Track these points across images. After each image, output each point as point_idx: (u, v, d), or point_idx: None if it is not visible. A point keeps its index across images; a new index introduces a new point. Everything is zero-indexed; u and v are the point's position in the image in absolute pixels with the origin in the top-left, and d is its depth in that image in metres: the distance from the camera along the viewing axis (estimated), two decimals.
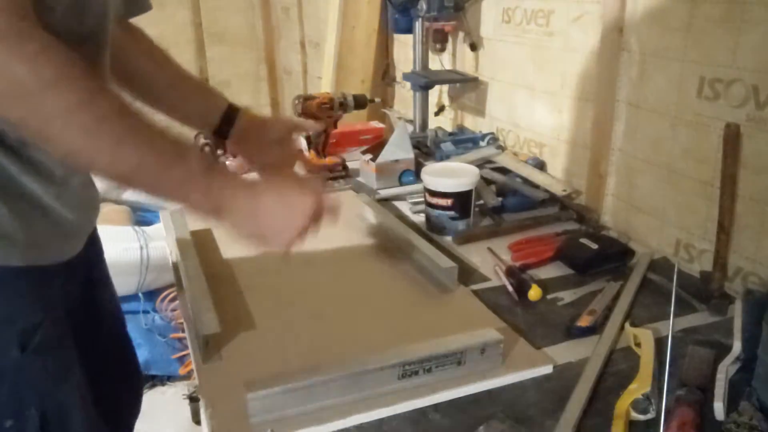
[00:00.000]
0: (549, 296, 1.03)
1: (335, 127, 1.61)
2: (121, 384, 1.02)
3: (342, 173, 1.58)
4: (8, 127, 0.66)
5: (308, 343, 0.89)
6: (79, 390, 0.80)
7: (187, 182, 0.68)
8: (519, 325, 0.94)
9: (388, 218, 1.27)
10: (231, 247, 1.17)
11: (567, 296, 1.03)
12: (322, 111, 1.54)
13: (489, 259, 1.16)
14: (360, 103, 1.59)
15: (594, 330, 0.92)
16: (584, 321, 0.93)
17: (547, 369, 0.83)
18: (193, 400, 1.88)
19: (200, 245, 1.13)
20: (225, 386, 0.80)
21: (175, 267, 1.13)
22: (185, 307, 1.00)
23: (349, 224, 1.30)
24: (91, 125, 0.60)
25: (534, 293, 1.01)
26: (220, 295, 0.97)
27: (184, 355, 2.13)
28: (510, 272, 1.07)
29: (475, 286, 1.07)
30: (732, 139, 0.97)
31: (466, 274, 1.11)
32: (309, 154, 1.58)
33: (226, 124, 0.99)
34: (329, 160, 1.59)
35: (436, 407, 0.77)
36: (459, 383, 0.79)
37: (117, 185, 0.70)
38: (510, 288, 1.03)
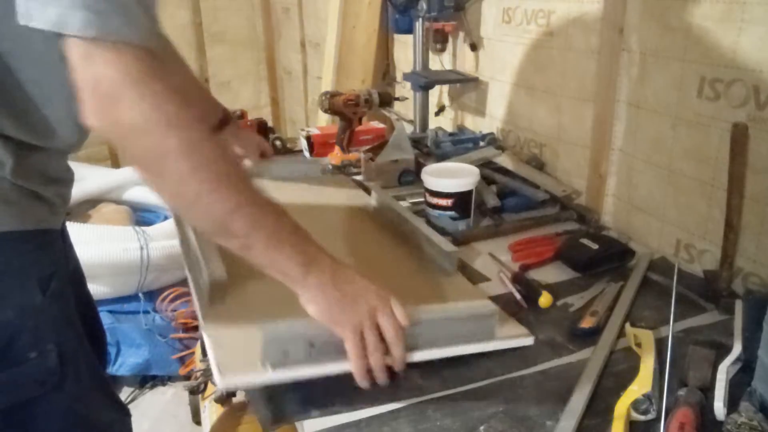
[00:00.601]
0: (559, 302, 1.02)
1: (360, 123, 1.68)
2: (92, 335, 1.10)
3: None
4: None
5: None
6: (81, 333, 0.93)
7: (279, 235, 0.72)
8: (536, 334, 0.93)
9: (391, 201, 1.27)
10: None
11: (576, 301, 1.02)
12: (348, 107, 1.61)
13: (489, 260, 1.16)
14: (385, 100, 1.66)
15: (597, 331, 0.92)
16: (587, 322, 0.93)
17: (529, 341, 0.89)
18: (193, 393, 1.88)
19: None
20: (228, 326, 0.81)
21: (178, 223, 1.13)
22: (188, 255, 1.00)
23: (353, 209, 1.32)
24: (199, 165, 0.66)
25: (544, 300, 0.99)
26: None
27: (184, 355, 2.13)
28: (516, 279, 1.06)
29: (476, 287, 1.07)
30: (740, 138, 0.97)
31: (467, 274, 1.11)
32: (335, 149, 1.66)
33: (218, 127, 1.18)
34: (353, 155, 1.64)
35: (436, 405, 0.77)
36: (445, 345, 0.82)
37: (216, 235, 0.72)
38: (518, 296, 1.02)
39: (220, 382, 0.71)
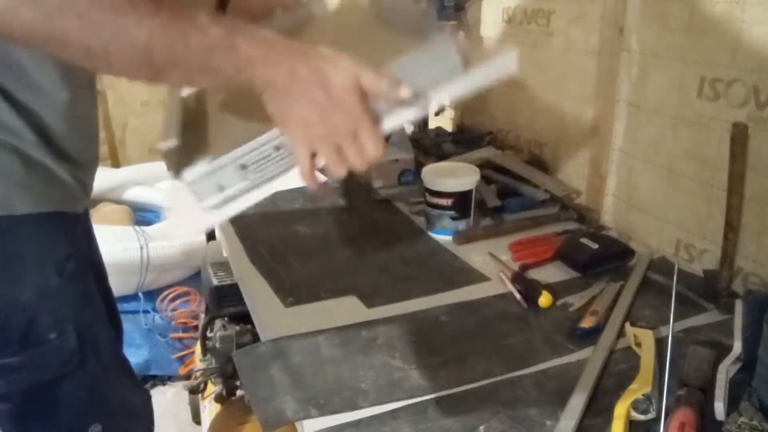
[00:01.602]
0: (558, 302, 1.02)
1: None
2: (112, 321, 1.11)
3: None
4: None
5: None
6: (101, 315, 0.94)
7: (210, 53, 0.60)
8: (536, 334, 0.93)
9: None
10: None
11: (576, 300, 1.02)
12: None
13: (489, 260, 1.16)
14: None
15: (597, 331, 0.92)
16: (587, 322, 0.93)
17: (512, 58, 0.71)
18: (193, 392, 1.88)
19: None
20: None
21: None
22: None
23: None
24: (87, 7, 0.56)
25: (544, 300, 1.00)
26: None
27: (184, 355, 2.13)
28: (516, 278, 1.06)
29: (476, 287, 1.07)
30: (740, 138, 0.97)
31: (467, 274, 1.11)
32: None
33: None
34: None
35: (436, 405, 0.77)
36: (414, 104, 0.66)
37: (151, 77, 0.61)
38: (518, 295, 1.02)
39: (173, 235, 0.67)
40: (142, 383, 1.08)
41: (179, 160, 0.73)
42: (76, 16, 0.56)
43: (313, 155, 0.65)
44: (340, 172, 0.66)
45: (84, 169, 0.90)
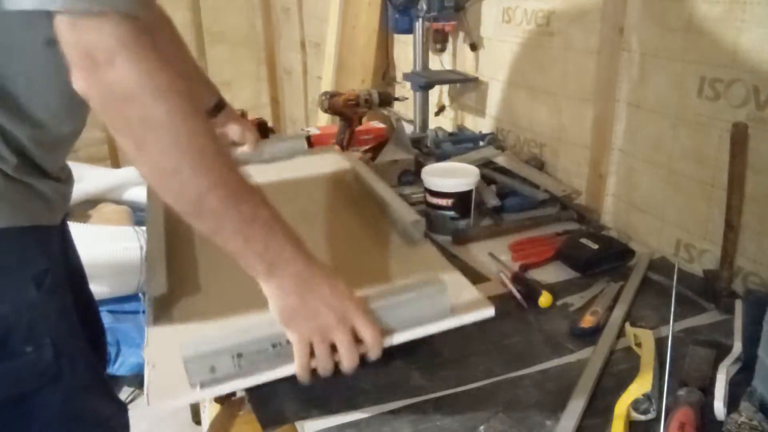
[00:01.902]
0: (559, 302, 1.02)
1: (360, 123, 1.67)
2: (93, 335, 1.11)
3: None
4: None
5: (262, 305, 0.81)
6: (77, 328, 0.94)
7: (251, 224, 0.69)
8: (536, 334, 0.93)
9: (363, 171, 1.25)
10: None
11: (576, 301, 1.02)
12: (348, 107, 1.60)
13: (489, 260, 1.16)
14: (385, 100, 1.65)
15: (597, 331, 0.92)
16: (587, 322, 0.93)
17: (490, 312, 0.82)
18: None
19: (171, 211, 1.11)
20: (170, 346, 0.76)
21: (147, 232, 1.11)
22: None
23: (330, 178, 1.30)
24: (183, 135, 0.64)
25: (544, 300, 1.00)
26: (183, 257, 0.97)
27: None
28: (516, 279, 1.06)
29: (475, 287, 1.06)
30: (740, 138, 0.97)
31: (467, 274, 1.11)
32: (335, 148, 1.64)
33: (212, 113, 1.22)
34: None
35: (436, 405, 0.77)
36: (405, 327, 0.77)
37: (188, 214, 0.69)
38: (518, 296, 1.02)
39: (148, 409, 0.70)
40: (118, 397, 1.08)
41: (165, 306, 0.85)
42: (171, 135, 0.64)
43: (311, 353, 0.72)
44: (329, 369, 0.73)
45: (65, 183, 0.91)
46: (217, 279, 0.94)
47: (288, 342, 0.72)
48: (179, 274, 0.91)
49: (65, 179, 0.91)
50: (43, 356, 0.85)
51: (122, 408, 1.06)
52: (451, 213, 1.24)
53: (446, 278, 0.82)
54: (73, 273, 1.08)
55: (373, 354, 0.73)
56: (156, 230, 1.01)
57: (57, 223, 0.90)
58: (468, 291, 0.86)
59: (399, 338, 0.77)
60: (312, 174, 1.35)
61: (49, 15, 0.60)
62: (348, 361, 0.72)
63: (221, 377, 0.71)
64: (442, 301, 0.79)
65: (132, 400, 2.07)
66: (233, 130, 1.27)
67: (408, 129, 1.83)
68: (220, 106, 1.24)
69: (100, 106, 0.63)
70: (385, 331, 0.76)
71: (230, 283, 0.92)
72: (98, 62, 0.60)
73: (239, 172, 0.69)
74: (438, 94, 1.99)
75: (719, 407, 0.74)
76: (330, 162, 1.42)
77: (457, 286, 0.86)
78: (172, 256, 0.95)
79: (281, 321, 0.71)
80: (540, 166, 1.53)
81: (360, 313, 0.72)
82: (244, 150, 1.29)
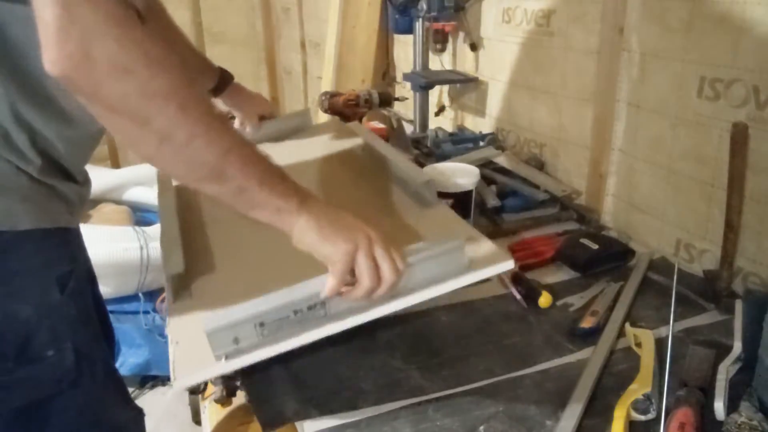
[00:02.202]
0: (559, 302, 1.02)
1: (360, 122, 1.66)
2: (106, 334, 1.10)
3: None
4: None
5: (280, 278, 0.82)
6: (97, 332, 0.93)
7: (271, 175, 0.70)
8: (536, 334, 0.93)
9: (373, 139, 1.25)
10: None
11: (576, 301, 1.02)
12: (348, 107, 1.61)
13: None
14: (385, 100, 1.65)
15: (597, 331, 0.92)
16: (587, 322, 0.93)
17: (509, 264, 0.81)
18: (193, 392, 1.88)
19: (183, 195, 1.13)
20: (192, 322, 0.79)
21: (160, 215, 1.12)
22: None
23: (340, 151, 1.30)
24: (188, 104, 0.63)
25: (544, 300, 1.00)
26: (197, 239, 0.98)
27: None
28: (516, 279, 1.06)
29: (475, 287, 1.06)
30: (740, 138, 0.97)
31: None
32: None
33: (219, 87, 1.23)
34: None
35: (436, 405, 0.77)
36: (417, 289, 0.77)
37: (213, 180, 0.68)
38: (518, 296, 1.02)
39: (175, 383, 0.71)
40: (133, 400, 1.06)
41: (183, 285, 0.86)
42: (176, 105, 0.62)
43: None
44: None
45: (83, 185, 0.90)
46: (231, 259, 0.95)
47: (308, 308, 0.72)
48: (193, 254, 0.92)
49: (84, 182, 0.91)
50: (64, 361, 0.83)
51: (139, 413, 1.05)
52: None
53: (463, 235, 0.82)
54: (88, 273, 1.08)
55: (390, 283, 0.73)
56: (168, 213, 1.02)
57: (76, 226, 0.90)
58: (485, 245, 0.86)
59: (421, 296, 0.77)
60: (319, 147, 1.34)
61: None
62: (391, 272, 0.71)
63: (245, 347, 0.71)
64: (460, 257, 0.79)
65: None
66: (248, 105, 1.28)
67: (408, 129, 1.83)
68: (222, 85, 1.23)
69: (90, 87, 0.59)
70: (407, 290, 0.76)
71: (244, 261, 0.94)
72: (83, 39, 0.57)
73: (240, 134, 0.71)
74: (438, 94, 1.99)
75: (719, 407, 0.74)
76: (335, 134, 1.40)
77: (474, 242, 0.84)
78: (185, 239, 0.95)
79: (321, 241, 0.71)
80: (540, 166, 1.53)
81: (384, 238, 0.73)
82: (254, 126, 1.30)
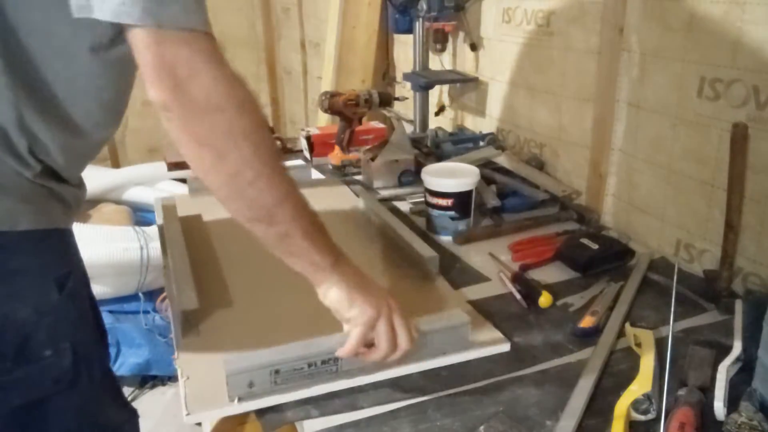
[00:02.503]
0: (559, 302, 1.02)
1: (360, 123, 1.68)
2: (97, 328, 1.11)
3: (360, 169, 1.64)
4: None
5: (284, 323, 0.92)
6: (95, 332, 0.94)
7: (318, 228, 0.75)
8: (536, 334, 0.93)
9: (378, 207, 1.29)
10: (220, 228, 1.22)
11: (576, 301, 1.02)
12: (348, 107, 1.61)
13: (489, 260, 1.16)
14: (385, 100, 1.66)
15: (597, 331, 0.92)
16: (587, 322, 0.93)
17: (505, 347, 0.89)
18: None
19: (188, 228, 1.18)
20: (201, 358, 0.84)
21: (163, 247, 1.16)
22: (169, 286, 1.04)
23: (342, 213, 1.34)
24: (262, 145, 0.68)
25: (544, 300, 1.00)
26: (203, 274, 1.01)
27: None
28: (516, 279, 1.06)
29: (476, 287, 1.07)
30: (740, 138, 0.97)
31: (467, 274, 1.11)
32: (335, 149, 1.66)
33: None
34: (353, 155, 1.64)
35: (436, 405, 0.77)
36: (423, 358, 0.84)
37: (263, 220, 0.73)
38: (518, 296, 1.02)
39: (187, 418, 0.73)
40: (128, 401, 1.06)
41: (193, 320, 0.91)
42: (252, 144, 0.67)
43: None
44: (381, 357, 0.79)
45: (80, 189, 0.90)
46: (240, 296, 1.00)
47: (322, 362, 0.78)
48: (204, 290, 0.95)
49: (79, 184, 0.91)
50: (62, 361, 0.84)
51: (134, 414, 1.05)
52: (451, 213, 1.24)
53: (464, 313, 0.89)
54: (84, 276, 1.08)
55: (404, 350, 0.79)
56: (178, 249, 1.06)
57: (71, 227, 0.90)
58: (485, 327, 0.93)
59: (428, 365, 0.84)
60: (324, 208, 1.37)
61: (97, 21, 0.62)
62: (407, 341, 0.78)
63: (258, 392, 0.76)
64: (464, 333, 0.86)
65: (132, 400, 2.07)
66: None
67: (408, 129, 1.83)
68: None
69: (183, 119, 0.65)
70: (416, 357, 0.83)
71: (254, 300, 0.99)
72: (183, 77, 0.63)
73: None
74: (438, 94, 1.99)
75: (719, 407, 0.74)
76: (339, 195, 1.46)
77: (474, 320, 0.91)
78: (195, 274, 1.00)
79: (348, 302, 0.76)
80: (540, 166, 1.53)
81: (402, 308, 0.79)
82: None
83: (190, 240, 1.12)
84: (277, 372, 0.76)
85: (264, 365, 0.75)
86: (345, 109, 1.60)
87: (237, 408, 0.75)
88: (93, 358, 0.90)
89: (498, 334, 0.90)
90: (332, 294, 0.77)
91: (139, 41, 0.63)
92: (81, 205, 0.93)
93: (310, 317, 0.91)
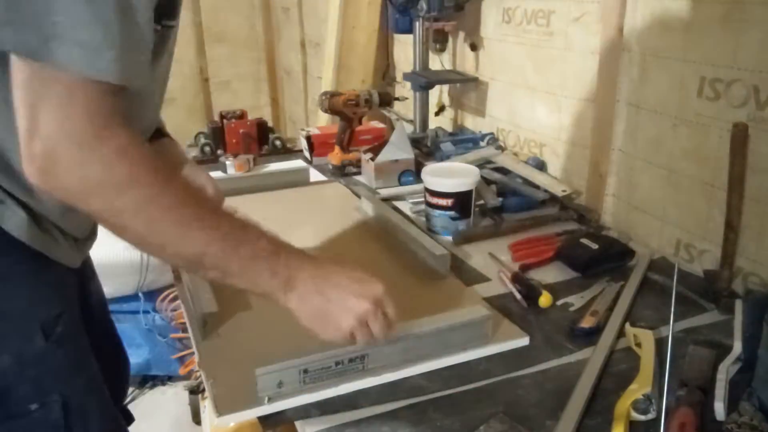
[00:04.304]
0: (559, 302, 1.02)
1: (360, 123, 1.68)
2: (113, 367, 1.06)
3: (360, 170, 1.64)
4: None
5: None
6: (96, 378, 0.86)
7: (255, 260, 0.69)
8: (536, 334, 0.93)
9: (384, 208, 1.30)
10: None
11: (576, 301, 1.02)
12: (348, 107, 1.61)
13: (489, 260, 1.16)
14: (385, 100, 1.66)
15: (597, 331, 0.92)
16: (587, 322, 0.93)
17: (524, 341, 0.90)
18: (193, 392, 1.88)
19: None
20: (223, 360, 0.85)
21: None
22: (182, 290, 1.03)
23: (345, 214, 1.34)
24: (158, 217, 0.64)
25: (545, 300, 1.00)
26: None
27: (184, 355, 2.13)
28: (516, 279, 1.06)
29: (476, 287, 1.07)
30: (740, 138, 0.97)
31: (467, 274, 1.11)
32: (335, 149, 1.65)
33: None
34: (353, 155, 1.64)
35: (436, 405, 0.77)
36: (444, 354, 0.85)
37: (191, 270, 0.73)
38: (518, 295, 1.02)
39: (218, 420, 0.73)
40: None
41: (211, 323, 0.91)
42: (145, 220, 0.63)
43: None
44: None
45: (87, 241, 0.87)
46: (260, 298, 0.98)
47: (350, 360, 0.79)
48: (219, 293, 0.95)
49: (89, 238, 0.87)
50: (50, 415, 0.76)
51: None
52: (451, 213, 1.24)
53: (479, 309, 0.90)
54: (96, 306, 1.02)
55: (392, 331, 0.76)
56: None
57: (77, 265, 0.84)
58: (502, 322, 0.94)
59: (449, 361, 0.85)
60: (323, 210, 1.40)
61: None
62: (386, 335, 0.75)
63: (287, 392, 0.76)
64: (484, 328, 0.87)
65: (132, 400, 2.07)
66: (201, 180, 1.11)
67: (408, 129, 1.83)
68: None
69: (65, 201, 0.62)
70: (438, 354, 0.84)
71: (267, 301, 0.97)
72: (43, 160, 0.58)
73: (227, 217, 0.69)
74: (438, 94, 1.99)
75: (719, 407, 0.74)
76: (339, 195, 1.47)
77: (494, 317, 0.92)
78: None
79: (315, 328, 0.72)
80: (540, 166, 1.53)
81: (384, 290, 0.74)
82: None
83: None
84: (305, 371, 0.76)
85: (293, 364, 0.76)
86: (345, 109, 1.60)
87: (267, 408, 0.75)
88: (90, 408, 0.82)
89: (516, 329, 0.92)
90: (302, 321, 0.72)
91: (15, 79, 0.57)
92: (87, 251, 0.88)
93: None
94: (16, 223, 0.70)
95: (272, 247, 0.71)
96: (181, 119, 3.17)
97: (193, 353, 2.05)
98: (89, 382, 0.84)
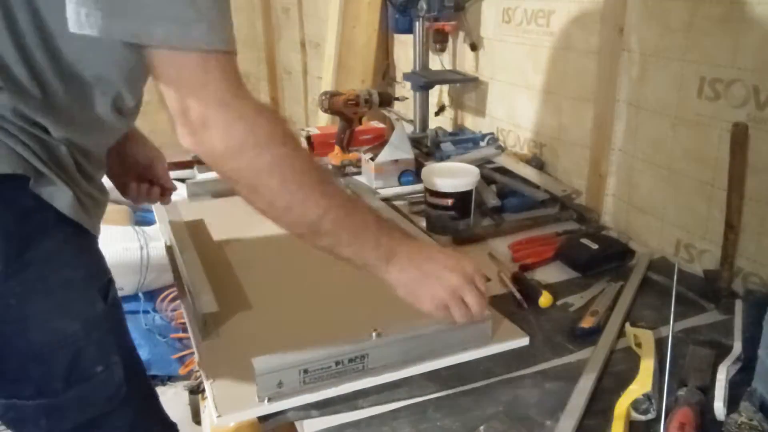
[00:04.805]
0: (559, 302, 1.02)
1: (360, 123, 1.68)
2: None
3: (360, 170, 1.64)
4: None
5: (301, 323, 0.93)
6: (132, 339, 0.92)
7: (364, 231, 0.77)
8: (536, 334, 0.93)
9: (384, 208, 1.30)
10: (224, 233, 1.23)
11: (576, 301, 1.02)
12: (348, 107, 1.61)
13: (489, 260, 1.16)
14: (385, 100, 1.66)
15: (597, 331, 0.92)
16: (587, 322, 0.93)
17: (524, 341, 0.91)
18: (193, 392, 1.88)
19: (194, 233, 1.18)
20: (224, 360, 0.84)
21: (170, 252, 1.16)
22: (182, 290, 1.04)
23: None
24: (289, 177, 0.71)
25: (545, 300, 1.00)
26: (216, 277, 1.01)
27: (184, 355, 2.13)
28: (516, 279, 1.06)
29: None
30: (740, 138, 0.97)
31: None
32: (335, 149, 1.66)
33: None
34: (353, 155, 1.64)
35: (436, 405, 0.77)
36: (445, 354, 0.85)
37: (306, 237, 0.76)
38: (518, 296, 1.02)
39: (218, 420, 0.73)
40: (167, 414, 0.99)
41: (211, 324, 0.91)
42: (279, 179, 0.71)
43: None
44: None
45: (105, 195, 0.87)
46: (261, 298, 1.00)
47: (350, 360, 0.79)
48: (220, 294, 0.96)
49: (103, 189, 0.87)
50: (114, 377, 0.80)
51: (174, 428, 1.02)
52: (451, 213, 1.24)
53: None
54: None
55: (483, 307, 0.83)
56: (190, 257, 1.07)
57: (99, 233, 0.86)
58: (503, 322, 0.94)
59: (449, 361, 0.85)
60: None
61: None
62: (480, 310, 0.82)
63: (287, 392, 0.77)
64: (485, 328, 0.88)
65: None
66: None
67: (408, 129, 1.83)
68: None
69: (208, 161, 0.70)
70: (438, 353, 0.85)
71: (268, 302, 1.00)
72: (197, 127, 0.67)
73: (340, 188, 0.78)
74: (438, 94, 1.99)
75: (719, 407, 0.74)
76: None
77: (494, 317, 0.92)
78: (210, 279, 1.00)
79: (411, 299, 0.80)
80: (540, 166, 1.53)
81: (476, 267, 0.82)
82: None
83: (197, 245, 1.12)
84: (305, 371, 0.77)
85: (293, 365, 0.76)
86: (345, 109, 1.60)
87: (267, 408, 0.76)
88: (140, 372, 0.89)
89: (516, 329, 0.92)
90: (398, 291, 0.80)
91: (156, 66, 0.66)
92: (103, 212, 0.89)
93: (332, 317, 0.94)
94: (66, 201, 0.73)
95: (377, 220, 0.79)
96: None
97: (193, 353, 2.05)
98: (133, 344, 0.91)
